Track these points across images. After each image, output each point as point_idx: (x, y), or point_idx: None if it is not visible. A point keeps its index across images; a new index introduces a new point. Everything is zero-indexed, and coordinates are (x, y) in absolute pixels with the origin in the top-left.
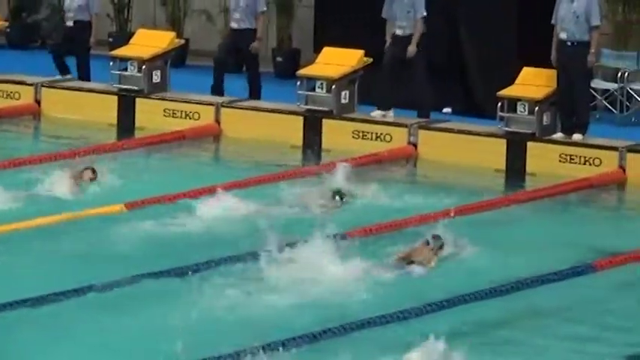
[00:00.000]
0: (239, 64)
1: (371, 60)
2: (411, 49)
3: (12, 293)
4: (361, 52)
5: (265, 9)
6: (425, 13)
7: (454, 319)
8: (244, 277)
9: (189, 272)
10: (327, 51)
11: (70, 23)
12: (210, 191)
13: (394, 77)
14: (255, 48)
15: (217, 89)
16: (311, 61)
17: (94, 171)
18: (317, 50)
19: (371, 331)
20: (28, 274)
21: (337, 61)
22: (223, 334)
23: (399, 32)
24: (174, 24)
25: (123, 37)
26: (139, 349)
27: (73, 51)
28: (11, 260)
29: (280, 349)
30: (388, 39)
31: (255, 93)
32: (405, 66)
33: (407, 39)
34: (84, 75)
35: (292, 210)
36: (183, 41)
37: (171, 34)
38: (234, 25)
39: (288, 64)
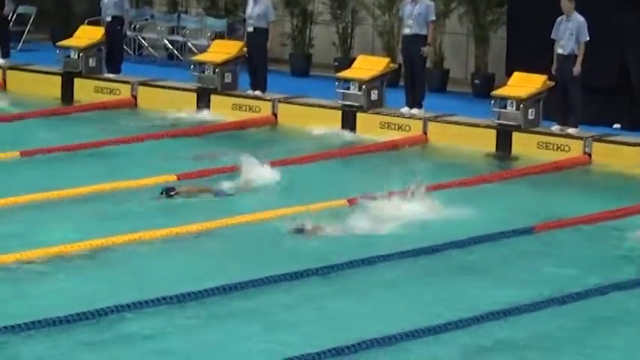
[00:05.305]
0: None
1: (553, 83)
2: (576, 68)
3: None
4: (545, 76)
5: (434, 18)
6: (587, 38)
7: None
8: None
9: None
10: (517, 75)
11: (250, 29)
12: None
13: (565, 97)
14: (425, 52)
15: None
16: (503, 84)
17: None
18: (508, 74)
19: None
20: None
21: (525, 84)
22: None
23: (560, 51)
24: (389, 51)
25: (346, 61)
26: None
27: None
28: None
29: None
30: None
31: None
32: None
33: (566, 57)
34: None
35: None
36: (397, 66)
37: (387, 60)
38: (406, 31)
39: (484, 86)
